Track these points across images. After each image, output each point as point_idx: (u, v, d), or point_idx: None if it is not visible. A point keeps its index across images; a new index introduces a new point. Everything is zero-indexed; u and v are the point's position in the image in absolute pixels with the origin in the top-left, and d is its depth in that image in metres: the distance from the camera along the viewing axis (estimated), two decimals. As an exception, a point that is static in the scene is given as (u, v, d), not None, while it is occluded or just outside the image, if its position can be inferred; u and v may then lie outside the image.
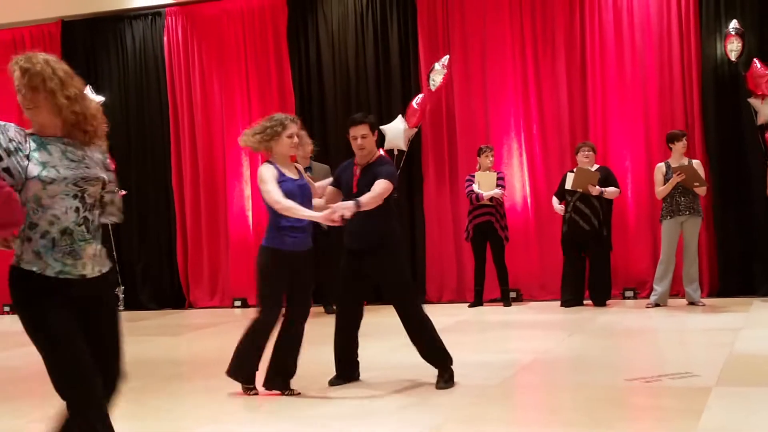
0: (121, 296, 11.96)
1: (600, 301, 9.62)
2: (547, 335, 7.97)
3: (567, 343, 7.52)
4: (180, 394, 6.25)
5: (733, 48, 9.69)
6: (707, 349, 6.82)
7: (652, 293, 9.34)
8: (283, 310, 5.79)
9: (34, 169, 3.15)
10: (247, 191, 11.66)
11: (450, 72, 10.78)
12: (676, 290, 9.52)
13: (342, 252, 6.06)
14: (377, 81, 11.21)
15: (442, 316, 9.55)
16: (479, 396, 5.56)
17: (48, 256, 3.19)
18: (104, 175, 3.34)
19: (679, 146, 9.25)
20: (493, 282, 10.21)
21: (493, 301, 10.30)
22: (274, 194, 5.53)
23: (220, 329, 9.69)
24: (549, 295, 10.30)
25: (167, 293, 12.05)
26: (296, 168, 5.88)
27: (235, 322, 10.41)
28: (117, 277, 3.34)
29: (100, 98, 11.39)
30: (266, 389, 5.82)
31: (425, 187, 11.02)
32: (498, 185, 10.07)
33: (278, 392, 5.79)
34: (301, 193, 5.66)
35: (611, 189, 9.61)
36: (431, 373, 5.98)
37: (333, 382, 6.04)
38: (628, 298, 10.10)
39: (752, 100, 9.63)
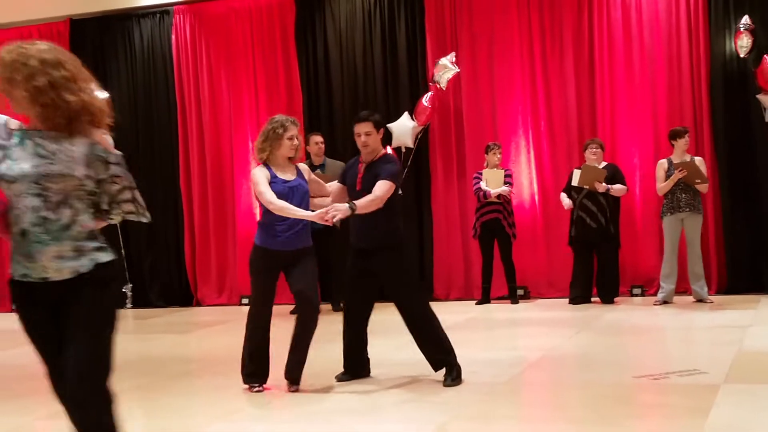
0: (129, 294, 12.02)
1: (608, 299, 9.61)
2: (554, 332, 7.97)
3: (575, 340, 7.53)
4: (189, 391, 6.27)
5: (743, 44, 9.67)
6: (715, 347, 6.81)
7: (660, 291, 9.33)
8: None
9: (2, 167, 3.07)
10: (255, 189, 11.67)
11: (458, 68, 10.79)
12: (683, 287, 9.51)
13: (348, 251, 6.09)
14: (385, 79, 11.21)
15: (449, 313, 9.56)
16: (487, 393, 5.57)
17: (14, 257, 3.11)
18: (79, 172, 3.08)
19: (682, 143, 9.25)
20: (501, 279, 10.21)
21: (500, 298, 10.31)
22: (267, 195, 5.64)
23: (228, 327, 9.71)
24: (557, 293, 10.29)
25: (175, 291, 12.08)
26: (297, 168, 5.90)
27: (243, 319, 10.41)
28: (109, 273, 3.01)
29: (105, 94, 11.42)
30: (286, 379, 5.88)
31: (433, 184, 11.02)
32: (505, 182, 10.07)
33: (291, 386, 5.83)
34: (292, 194, 5.73)
35: (618, 186, 9.60)
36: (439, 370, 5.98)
37: (340, 378, 6.07)
38: (636, 295, 10.09)
39: (761, 97, 9.60)
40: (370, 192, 5.70)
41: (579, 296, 9.66)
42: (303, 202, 5.77)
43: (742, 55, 9.71)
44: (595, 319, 8.53)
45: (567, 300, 9.77)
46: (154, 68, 12.19)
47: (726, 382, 5.42)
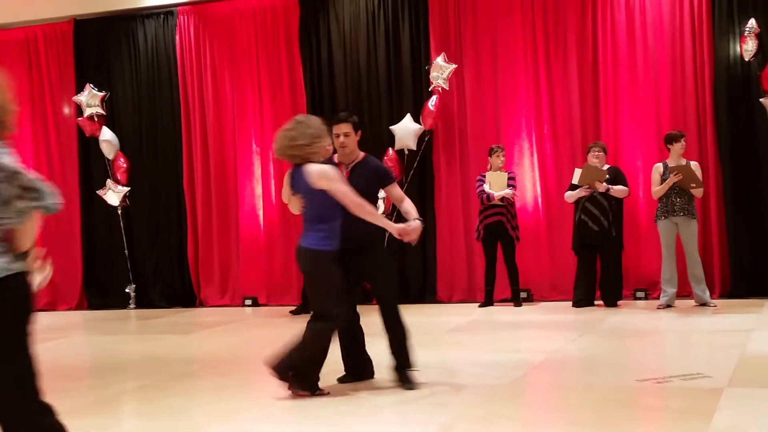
0: (133, 294, 12.04)
1: (611, 302, 9.60)
2: (557, 335, 7.96)
3: (577, 343, 7.52)
4: (191, 392, 6.27)
5: (748, 48, 9.68)
6: (718, 350, 6.81)
7: (662, 294, 9.32)
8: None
9: None
10: (258, 190, 11.68)
11: (461, 71, 10.79)
12: (686, 291, 9.49)
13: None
14: (388, 81, 11.22)
15: (452, 315, 9.59)
16: (490, 395, 5.56)
17: None
18: None
19: (678, 147, 9.24)
20: (504, 282, 10.20)
21: (503, 301, 10.30)
22: (351, 193, 5.54)
23: (231, 327, 9.72)
24: (560, 296, 10.29)
25: (178, 291, 12.09)
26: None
27: (246, 320, 10.46)
28: (15, 284, 2.92)
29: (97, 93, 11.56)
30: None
31: (436, 186, 11.02)
32: (509, 185, 10.07)
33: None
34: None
35: (618, 187, 9.59)
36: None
37: (342, 380, 6.05)
38: (639, 298, 10.08)
39: (765, 101, 9.60)
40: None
41: (582, 299, 9.65)
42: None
43: (747, 59, 9.70)
44: (598, 322, 8.52)
45: (570, 303, 9.76)
46: (158, 69, 12.20)
47: (729, 386, 5.41)
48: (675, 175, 9.10)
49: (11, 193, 2.98)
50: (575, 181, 9.67)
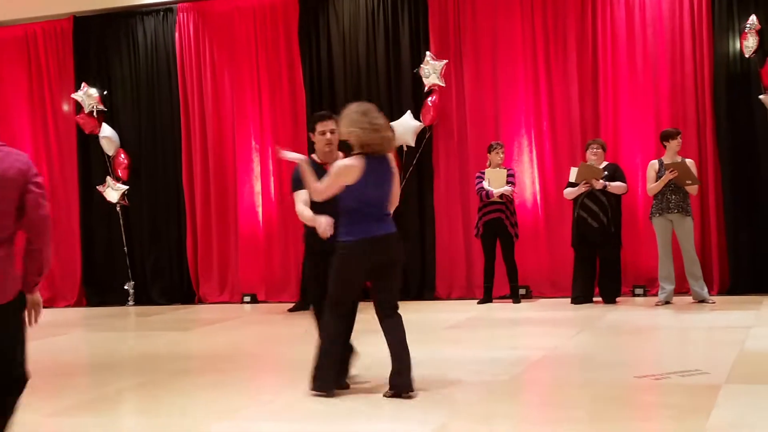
0: (131, 291, 12.04)
1: (609, 299, 9.61)
2: (556, 332, 7.97)
3: (576, 340, 7.53)
4: (191, 389, 6.26)
5: (749, 44, 9.67)
6: (717, 347, 6.82)
7: (660, 291, 9.32)
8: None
9: None
10: (257, 187, 11.68)
11: (461, 68, 10.79)
12: (685, 288, 9.50)
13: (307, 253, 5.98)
14: (388, 79, 11.20)
15: (451, 312, 9.60)
16: (488, 392, 5.57)
17: None
18: None
19: (674, 144, 9.24)
20: (503, 279, 10.20)
21: (502, 297, 10.30)
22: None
23: (230, 324, 9.72)
24: (558, 292, 10.29)
25: (177, 288, 12.08)
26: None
27: (245, 317, 10.47)
28: None
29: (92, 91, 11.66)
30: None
31: (435, 183, 11.02)
32: (508, 182, 10.07)
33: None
34: None
35: (616, 183, 9.59)
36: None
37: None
38: (638, 295, 10.08)
39: (764, 98, 9.60)
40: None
41: (581, 296, 9.66)
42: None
43: (747, 56, 9.70)
44: (596, 319, 8.53)
45: (569, 300, 9.76)
46: (157, 66, 12.19)
47: (727, 383, 5.42)
48: (671, 172, 9.10)
49: None
50: (572, 179, 9.68)
